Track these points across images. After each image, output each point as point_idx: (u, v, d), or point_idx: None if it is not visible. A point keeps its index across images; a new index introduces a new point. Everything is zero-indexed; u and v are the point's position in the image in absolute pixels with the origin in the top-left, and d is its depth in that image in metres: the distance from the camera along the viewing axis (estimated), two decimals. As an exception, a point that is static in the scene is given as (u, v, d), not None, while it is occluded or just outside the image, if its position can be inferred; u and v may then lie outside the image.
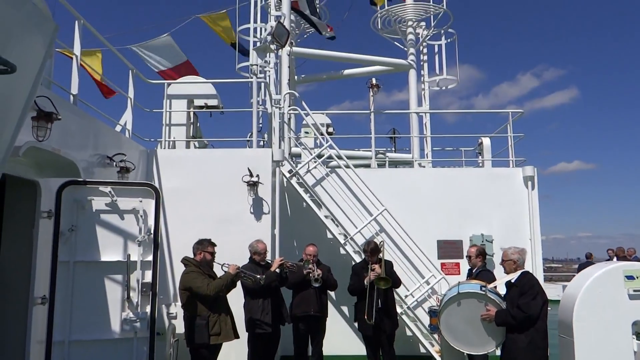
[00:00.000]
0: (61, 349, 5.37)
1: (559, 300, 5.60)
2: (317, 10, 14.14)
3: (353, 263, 7.71)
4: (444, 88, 14.52)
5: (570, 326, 5.07)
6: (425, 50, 14.46)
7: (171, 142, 9.16)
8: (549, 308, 5.07)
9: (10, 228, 5.68)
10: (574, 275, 6.38)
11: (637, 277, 5.03)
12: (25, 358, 5.22)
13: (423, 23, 13.96)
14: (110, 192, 5.74)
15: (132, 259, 5.71)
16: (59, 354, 5.35)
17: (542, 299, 4.99)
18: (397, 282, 7.00)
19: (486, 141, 10.95)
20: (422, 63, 14.34)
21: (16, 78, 2.83)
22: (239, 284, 6.07)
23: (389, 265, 6.90)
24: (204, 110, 9.77)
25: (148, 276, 5.77)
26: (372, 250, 6.82)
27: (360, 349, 7.31)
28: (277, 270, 6.49)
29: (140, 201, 5.88)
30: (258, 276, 6.10)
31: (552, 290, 13.95)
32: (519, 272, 5.22)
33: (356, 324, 7.03)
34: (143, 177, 7.84)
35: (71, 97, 6.25)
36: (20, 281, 5.46)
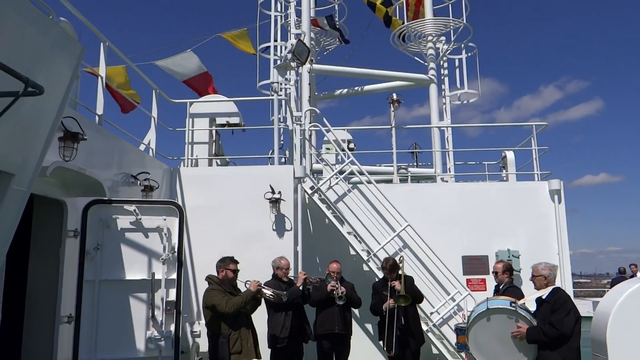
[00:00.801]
0: (87, 367, 5.39)
1: (588, 317, 5.43)
2: (337, 27, 14.26)
3: (376, 280, 7.61)
4: (465, 102, 14.40)
5: (604, 344, 4.90)
6: (445, 65, 14.39)
7: (194, 160, 9.25)
8: (580, 325, 4.93)
9: (38, 247, 5.78)
10: (603, 291, 6.19)
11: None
12: (51, 377, 5.26)
13: (443, 38, 13.91)
14: (134, 210, 5.80)
15: (156, 277, 5.74)
16: (85, 373, 5.37)
17: (575, 316, 4.85)
18: (418, 298, 6.89)
19: (510, 155, 10.77)
20: (442, 77, 14.26)
21: (44, 100, 2.88)
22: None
23: (409, 280, 6.79)
24: (225, 128, 9.87)
25: (172, 294, 5.80)
26: (391, 267, 6.75)
27: (386, 367, 7.19)
28: (300, 287, 6.44)
29: (164, 219, 5.93)
30: (280, 292, 6.05)
31: (582, 307, 13.56)
32: (550, 288, 5.09)
33: (381, 343, 6.92)
34: (167, 196, 7.91)
35: (96, 118, 6.37)
36: (47, 300, 5.53)
